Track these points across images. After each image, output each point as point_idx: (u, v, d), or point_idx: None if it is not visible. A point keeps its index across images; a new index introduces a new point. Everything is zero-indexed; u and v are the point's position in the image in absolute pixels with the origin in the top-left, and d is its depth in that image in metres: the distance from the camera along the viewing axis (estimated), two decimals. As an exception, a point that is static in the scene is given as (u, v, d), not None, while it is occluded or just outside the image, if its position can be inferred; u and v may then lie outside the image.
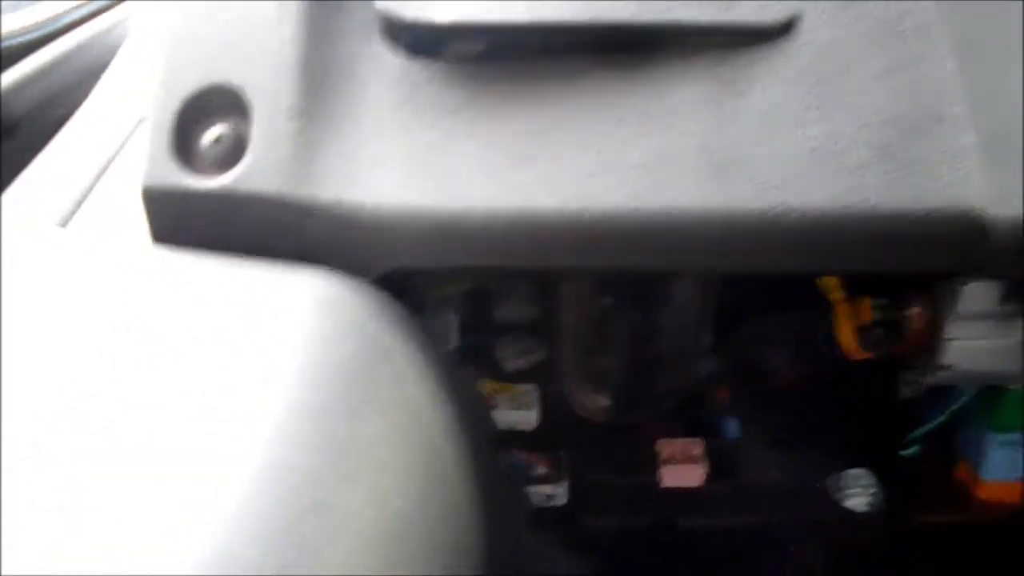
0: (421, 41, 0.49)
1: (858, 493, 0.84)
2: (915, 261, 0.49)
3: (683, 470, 0.83)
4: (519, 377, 0.82)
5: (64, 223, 0.53)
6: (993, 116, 0.47)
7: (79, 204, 0.55)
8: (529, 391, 0.82)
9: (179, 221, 0.48)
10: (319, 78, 0.48)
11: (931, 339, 0.65)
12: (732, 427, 0.87)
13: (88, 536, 0.35)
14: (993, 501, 0.83)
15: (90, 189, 0.56)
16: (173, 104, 0.48)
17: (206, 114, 0.48)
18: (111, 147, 0.59)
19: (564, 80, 0.48)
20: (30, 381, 0.40)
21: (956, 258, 0.48)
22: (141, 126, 0.56)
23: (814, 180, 0.46)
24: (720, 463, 0.84)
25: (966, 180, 0.46)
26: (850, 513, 0.83)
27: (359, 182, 0.47)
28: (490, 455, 0.52)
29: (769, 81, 0.48)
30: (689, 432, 0.86)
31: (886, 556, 0.83)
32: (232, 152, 0.47)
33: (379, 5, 0.48)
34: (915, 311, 0.66)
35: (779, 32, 0.49)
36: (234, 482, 0.37)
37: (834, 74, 0.48)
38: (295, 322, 0.44)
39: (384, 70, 0.49)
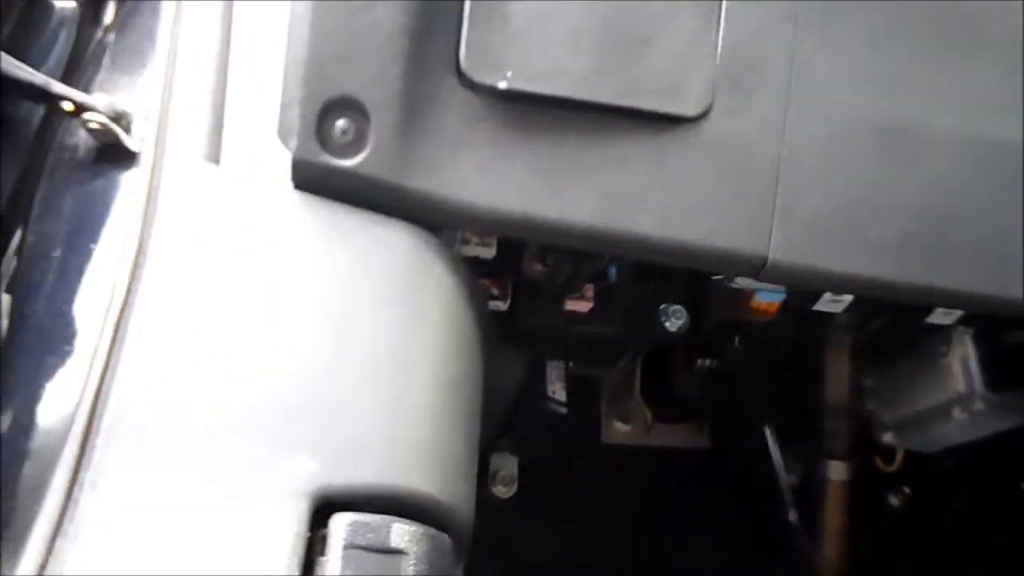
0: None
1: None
2: None
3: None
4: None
5: (212, 160, 0.74)
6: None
7: (216, 142, 0.74)
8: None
9: (315, 181, 0.72)
10: (415, 99, 0.72)
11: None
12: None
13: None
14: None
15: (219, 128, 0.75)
16: (315, 105, 0.70)
17: (336, 111, 0.71)
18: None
19: (577, 125, 0.74)
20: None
21: None
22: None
23: None
24: None
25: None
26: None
27: (441, 180, 0.72)
28: (488, 330, 0.83)
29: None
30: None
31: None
32: (355, 143, 0.71)
33: (465, 65, 0.71)
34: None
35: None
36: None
37: None
38: (389, 259, 0.72)
39: (458, 100, 0.73)
